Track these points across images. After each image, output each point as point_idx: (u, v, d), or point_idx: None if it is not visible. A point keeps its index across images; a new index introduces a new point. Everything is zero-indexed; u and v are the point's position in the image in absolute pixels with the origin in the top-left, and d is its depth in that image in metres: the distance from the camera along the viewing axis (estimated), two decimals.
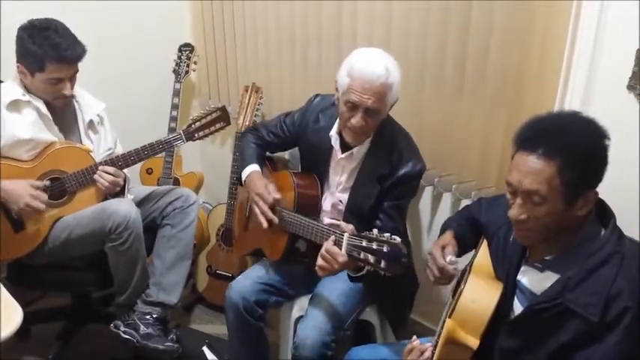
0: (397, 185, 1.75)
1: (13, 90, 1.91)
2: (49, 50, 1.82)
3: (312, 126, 1.91)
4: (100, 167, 1.94)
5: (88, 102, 2.10)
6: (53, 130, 1.97)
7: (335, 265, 1.50)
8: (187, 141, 2.01)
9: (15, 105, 1.89)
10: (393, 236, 1.38)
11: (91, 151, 2.00)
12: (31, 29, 1.85)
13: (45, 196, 1.90)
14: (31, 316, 2.18)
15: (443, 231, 1.57)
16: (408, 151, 1.77)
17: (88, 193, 1.97)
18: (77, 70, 1.94)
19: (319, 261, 1.53)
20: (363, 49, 1.74)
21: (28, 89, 1.92)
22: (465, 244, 1.52)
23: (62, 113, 2.02)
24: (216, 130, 2.03)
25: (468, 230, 1.54)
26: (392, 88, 1.65)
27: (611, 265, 1.13)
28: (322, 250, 1.54)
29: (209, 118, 2.01)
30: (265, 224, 1.81)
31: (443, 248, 1.45)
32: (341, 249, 1.48)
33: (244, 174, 1.95)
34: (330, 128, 1.84)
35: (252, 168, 1.94)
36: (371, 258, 1.39)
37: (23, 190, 1.86)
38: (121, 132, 2.25)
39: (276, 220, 1.81)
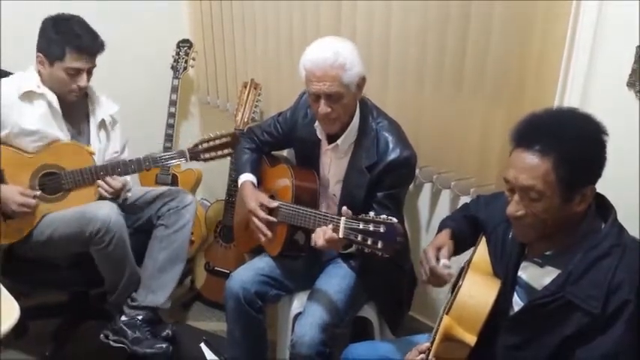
0: (386, 173, 1.74)
1: (30, 80, 1.94)
2: (71, 39, 1.89)
3: (302, 121, 1.91)
4: (112, 178, 1.95)
5: (101, 102, 2.11)
6: (61, 126, 1.97)
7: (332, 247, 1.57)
8: (191, 160, 1.98)
9: (28, 96, 1.92)
10: (389, 217, 1.39)
11: (94, 154, 2.00)
12: (56, 19, 1.92)
13: (33, 202, 1.89)
14: (29, 312, 2.17)
15: (440, 229, 1.56)
16: (395, 139, 1.75)
17: (83, 193, 1.95)
18: (94, 65, 1.97)
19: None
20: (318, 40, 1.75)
21: (43, 81, 1.95)
22: (464, 242, 1.51)
23: (73, 110, 2.03)
24: (224, 155, 1.99)
25: (466, 228, 1.53)
26: (344, 67, 1.64)
27: (612, 258, 1.13)
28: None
29: (217, 141, 1.97)
30: (263, 239, 1.84)
31: (438, 249, 1.44)
32: (338, 233, 1.49)
33: (239, 182, 1.98)
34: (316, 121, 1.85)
35: (245, 177, 1.96)
36: (368, 240, 1.40)
37: (11, 196, 1.86)
38: None
39: (269, 235, 1.83)
